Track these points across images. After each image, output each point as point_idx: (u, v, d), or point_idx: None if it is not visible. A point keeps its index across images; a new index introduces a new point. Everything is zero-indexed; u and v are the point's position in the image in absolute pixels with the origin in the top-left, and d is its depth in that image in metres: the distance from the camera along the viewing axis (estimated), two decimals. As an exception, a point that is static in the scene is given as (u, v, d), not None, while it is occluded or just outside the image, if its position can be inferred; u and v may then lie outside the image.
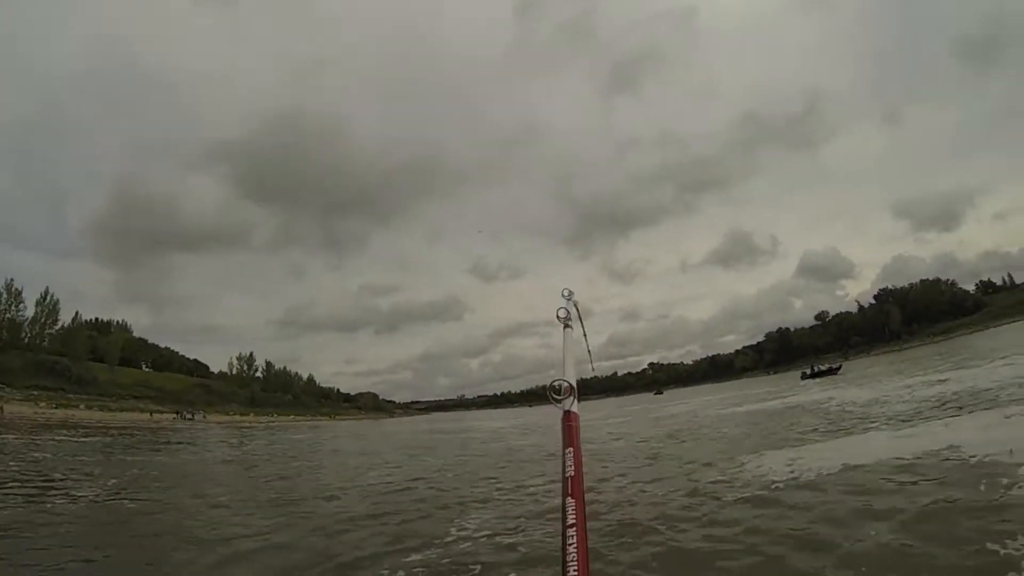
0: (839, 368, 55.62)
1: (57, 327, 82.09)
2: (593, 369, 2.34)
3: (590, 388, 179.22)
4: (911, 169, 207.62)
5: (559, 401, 1.62)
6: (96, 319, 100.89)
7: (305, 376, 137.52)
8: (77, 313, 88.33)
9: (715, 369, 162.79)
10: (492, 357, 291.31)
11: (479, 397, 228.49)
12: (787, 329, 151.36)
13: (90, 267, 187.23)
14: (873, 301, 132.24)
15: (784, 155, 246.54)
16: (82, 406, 64.66)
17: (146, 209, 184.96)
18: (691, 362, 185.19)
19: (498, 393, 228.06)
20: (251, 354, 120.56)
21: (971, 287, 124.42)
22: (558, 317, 2.16)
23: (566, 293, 2.34)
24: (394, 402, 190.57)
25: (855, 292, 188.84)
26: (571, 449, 1.44)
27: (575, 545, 1.18)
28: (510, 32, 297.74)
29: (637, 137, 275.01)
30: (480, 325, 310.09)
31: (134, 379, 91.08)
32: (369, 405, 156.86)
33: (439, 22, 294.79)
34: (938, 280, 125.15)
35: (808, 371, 56.41)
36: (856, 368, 54.45)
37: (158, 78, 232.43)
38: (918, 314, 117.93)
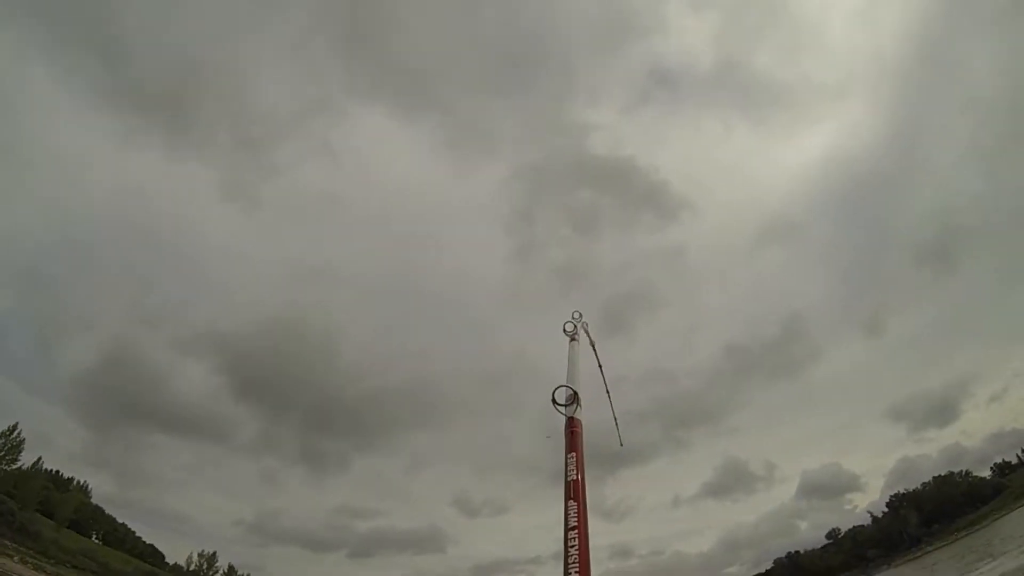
0: None
1: (15, 467, 76.53)
2: (608, 392, 1.92)
3: None
4: (899, 374, 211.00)
5: (563, 408, 1.86)
6: (56, 471, 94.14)
7: None
8: (39, 459, 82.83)
9: None
10: None
11: None
12: (796, 552, 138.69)
13: (63, 416, 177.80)
14: (886, 509, 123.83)
15: (770, 381, 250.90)
16: (16, 558, 59.49)
17: (133, 375, 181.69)
18: None
19: None
20: (214, 553, 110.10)
21: (986, 473, 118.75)
22: (565, 331, 2.25)
23: (576, 315, 1.91)
24: None
25: (864, 504, 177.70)
26: (573, 454, 1.61)
27: (577, 547, 1.12)
28: (503, 271, 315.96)
29: (624, 375, 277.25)
30: (462, 559, 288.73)
31: (79, 546, 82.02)
32: None
33: (439, 257, 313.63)
34: (951, 473, 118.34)
35: None
36: None
37: (173, 246, 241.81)
38: (936, 513, 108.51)
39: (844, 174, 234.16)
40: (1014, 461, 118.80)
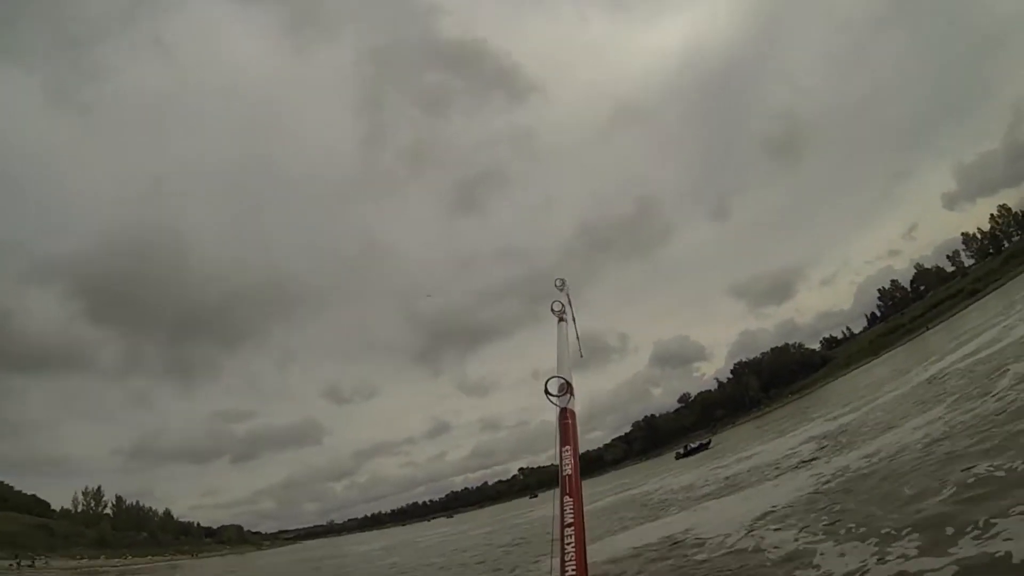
0: (709, 443, 58.57)
1: None
2: (582, 356, 2.12)
3: (461, 500, 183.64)
4: (742, 255, 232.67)
5: (556, 398, 1.60)
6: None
7: (161, 511, 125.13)
8: None
9: (587, 465, 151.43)
10: (357, 479, 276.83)
11: (349, 521, 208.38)
12: (653, 416, 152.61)
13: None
14: (730, 375, 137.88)
15: (622, 258, 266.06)
16: None
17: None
18: None
19: (368, 515, 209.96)
20: (99, 488, 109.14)
21: (816, 346, 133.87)
22: (552, 310, 2.05)
23: (558, 283, 2.20)
24: (261, 533, 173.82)
25: (711, 371, 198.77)
26: (568, 448, 1.46)
27: (573, 544, 1.20)
28: (354, 157, 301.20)
29: (479, 253, 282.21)
30: (341, 447, 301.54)
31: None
32: (235, 539, 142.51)
33: (285, 147, 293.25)
34: (786, 345, 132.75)
35: (682, 450, 61.21)
36: (726, 439, 58.96)
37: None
38: (773, 379, 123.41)
39: (702, 65, 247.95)
40: (839, 336, 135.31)
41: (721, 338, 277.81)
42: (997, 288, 78.23)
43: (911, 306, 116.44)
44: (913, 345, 65.94)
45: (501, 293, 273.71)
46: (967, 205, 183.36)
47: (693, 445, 61.92)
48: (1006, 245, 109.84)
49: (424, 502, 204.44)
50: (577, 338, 2.18)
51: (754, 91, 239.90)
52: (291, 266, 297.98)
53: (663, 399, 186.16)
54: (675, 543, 11.35)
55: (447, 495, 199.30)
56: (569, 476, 1.36)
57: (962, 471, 8.01)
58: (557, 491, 1.32)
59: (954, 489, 7.50)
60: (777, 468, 17.35)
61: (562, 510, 1.27)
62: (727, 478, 20.74)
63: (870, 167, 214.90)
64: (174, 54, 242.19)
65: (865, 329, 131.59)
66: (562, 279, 2.44)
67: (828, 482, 11.70)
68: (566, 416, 1.56)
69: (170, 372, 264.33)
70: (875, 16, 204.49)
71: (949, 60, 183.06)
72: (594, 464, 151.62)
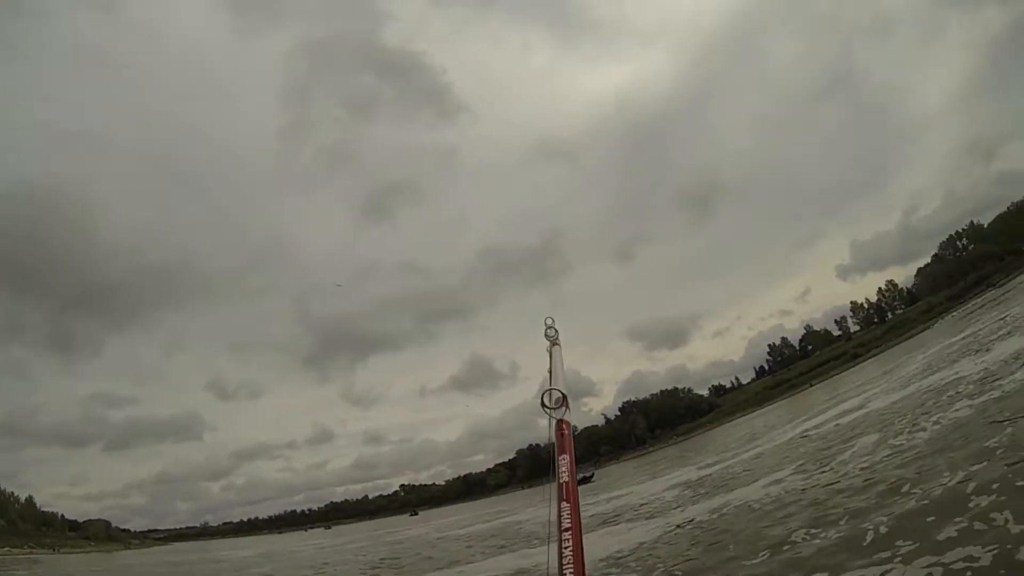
0: (592, 476, 58.50)
1: None
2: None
3: (340, 512, 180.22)
4: (642, 299, 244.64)
5: (552, 410, 1.77)
6: None
7: (23, 497, 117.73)
8: None
9: (468, 488, 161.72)
10: (235, 480, 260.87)
11: (224, 524, 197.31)
12: (538, 445, 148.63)
13: None
14: (619, 413, 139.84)
15: (523, 287, 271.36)
16: None
17: None
18: (443, 482, 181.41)
19: (245, 520, 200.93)
20: None
21: (705, 392, 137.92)
22: (547, 336, 2.33)
23: (549, 321, 2.43)
24: (129, 531, 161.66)
25: (599, 407, 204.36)
26: (565, 456, 1.58)
27: (571, 549, 1.24)
28: (272, 149, 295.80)
29: (382, 263, 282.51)
30: (221, 445, 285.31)
31: None
32: (101, 535, 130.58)
33: (207, 128, 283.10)
34: (675, 389, 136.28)
35: None
36: (608, 474, 60.38)
37: None
38: (660, 420, 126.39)
39: (634, 113, 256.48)
40: (728, 385, 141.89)
41: (612, 375, 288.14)
42: (877, 354, 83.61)
43: (797, 363, 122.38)
44: (795, 400, 68.86)
45: (397, 306, 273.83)
46: (858, 277, 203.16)
47: (576, 477, 62.28)
48: (889, 316, 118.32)
49: (303, 511, 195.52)
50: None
51: (679, 146, 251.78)
52: (194, 250, 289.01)
53: (548, 431, 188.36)
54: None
55: (327, 505, 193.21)
56: (566, 483, 1.43)
57: (777, 535, 8.46)
58: (554, 495, 1.39)
59: (767, 553, 7.84)
60: (636, 512, 17.68)
61: (559, 515, 1.32)
62: (590, 516, 20.67)
63: (775, 233, 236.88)
64: (116, 9, 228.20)
65: (753, 380, 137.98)
66: (552, 318, 2.73)
67: (670, 531, 11.92)
68: (562, 427, 1.71)
69: (53, 345, 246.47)
70: (807, 94, 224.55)
71: (865, 146, 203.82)
72: (476, 487, 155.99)
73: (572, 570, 1.17)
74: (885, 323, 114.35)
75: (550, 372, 2.13)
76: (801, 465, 13.40)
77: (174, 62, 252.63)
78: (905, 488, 7.67)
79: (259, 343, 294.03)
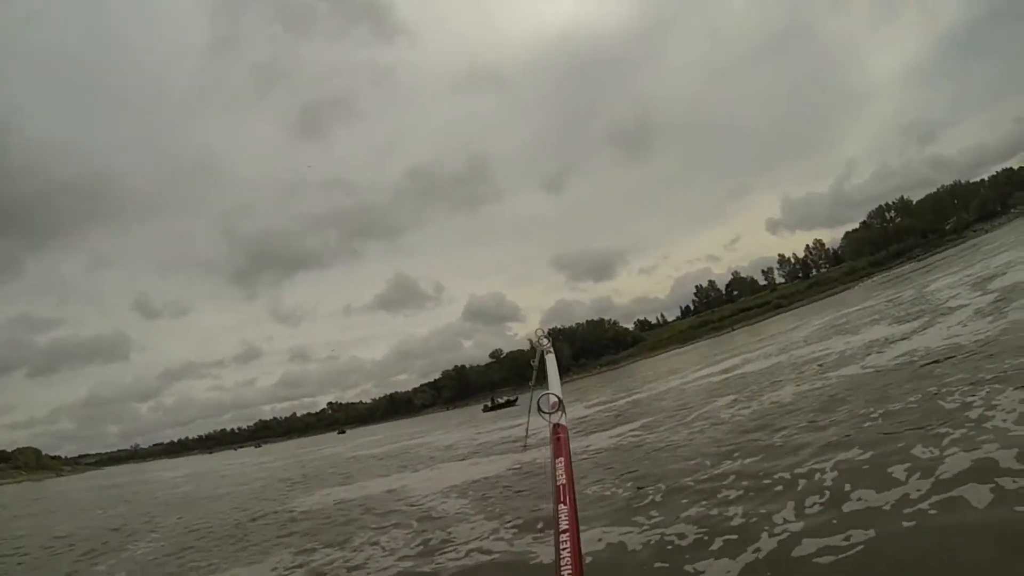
0: (515, 400, 60.11)
1: None
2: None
3: (270, 430, 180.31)
4: (570, 230, 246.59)
5: (548, 415, 1.80)
6: None
7: None
8: None
9: (395, 407, 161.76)
10: (164, 400, 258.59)
11: (155, 446, 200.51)
12: (463, 366, 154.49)
13: None
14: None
15: (450, 210, 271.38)
16: None
17: None
18: (370, 400, 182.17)
19: (175, 440, 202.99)
20: None
21: (630, 326, 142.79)
22: (542, 343, 2.51)
23: (540, 332, 2.70)
24: (60, 458, 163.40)
25: (523, 332, 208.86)
26: (561, 459, 1.56)
27: (568, 550, 1.25)
28: (200, 64, 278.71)
29: (311, 180, 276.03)
30: (148, 365, 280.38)
31: None
32: (32, 463, 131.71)
33: (130, 39, 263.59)
34: (602, 320, 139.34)
35: (489, 404, 63.28)
36: (528, 399, 53.19)
37: None
38: (585, 349, 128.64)
39: (577, 46, 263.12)
40: (653, 322, 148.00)
41: (537, 303, 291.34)
42: (799, 307, 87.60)
43: (722, 307, 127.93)
44: (718, 341, 71.31)
45: (325, 223, 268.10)
46: (787, 233, 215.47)
47: (500, 400, 63.86)
48: (814, 273, 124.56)
49: (233, 429, 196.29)
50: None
51: (620, 83, 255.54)
52: (117, 165, 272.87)
53: (474, 352, 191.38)
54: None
55: (256, 423, 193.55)
56: (563, 486, 1.43)
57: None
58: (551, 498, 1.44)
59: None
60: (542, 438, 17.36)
61: (557, 518, 1.34)
62: (506, 435, 21.70)
63: (709, 179, 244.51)
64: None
65: (678, 319, 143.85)
66: (542, 328, 2.96)
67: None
68: (558, 431, 1.70)
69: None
70: (754, 47, 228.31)
71: (807, 107, 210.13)
72: (402, 406, 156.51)
73: (569, 571, 1.18)
74: (809, 279, 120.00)
75: (542, 377, 2.16)
76: (710, 403, 13.39)
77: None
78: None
79: (186, 261, 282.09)
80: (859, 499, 4.53)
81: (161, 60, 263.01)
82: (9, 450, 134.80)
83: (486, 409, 59.42)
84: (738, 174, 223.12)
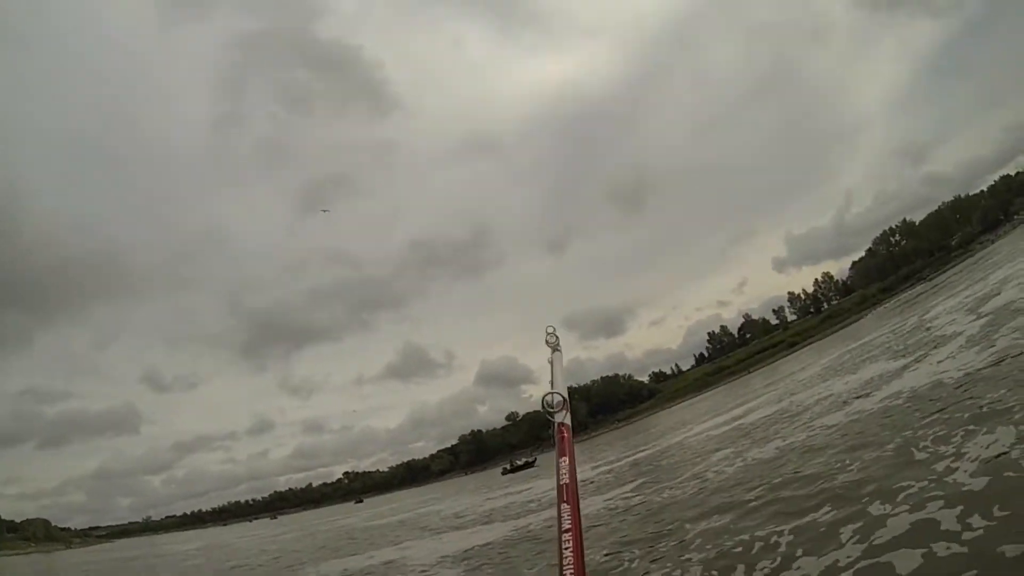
0: (535, 461, 60.40)
1: None
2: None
3: (286, 501, 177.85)
4: (576, 290, 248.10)
5: (553, 414, 1.81)
6: None
7: None
8: None
9: (412, 474, 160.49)
10: (176, 473, 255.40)
11: (167, 518, 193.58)
12: (479, 431, 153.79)
13: None
14: None
15: (454, 278, 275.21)
16: None
17: None
18: (387, 469, 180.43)
19: (188, 513, 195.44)
20: None
21: (644, 378, 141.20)
22: (547, 342, 2.40)
23: (550, 329, 2.53)
24: (70, 530, 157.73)
25: (537, 394, 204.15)
26: (565, 458, 1.57)
27: (571, 549, 1.26)
28: (205, 141, 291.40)
29: (315, 254, 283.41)
30: (159, 438, 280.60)
31: None
32: (41, 535, 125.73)
33: (139, 117, 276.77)
34: (616, 375, 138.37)
35: (508, 466, 62.53)
36: (550, 460, 54.99)
37: None
38: (602, 405, 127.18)
39: (570, 107, 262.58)
40: (668, 372, 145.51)
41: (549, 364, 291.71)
42: (813, 342, 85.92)
43: (736, 351, 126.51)
44: (732, 386, 70.38)
45: (331, 297, 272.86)
46: (793, 270, 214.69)
47: (519, 462, 63.32)
48: (825, 307, 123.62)
49: (247, 501, 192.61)
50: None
51: (614, 141, 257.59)
52: (124, 240, 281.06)
53: (488, 416, 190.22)
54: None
55: (271, 495, 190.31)
56: (566, 484, 1.44)
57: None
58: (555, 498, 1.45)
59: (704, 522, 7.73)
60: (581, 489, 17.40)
61: (560, 516, 1.35)
62: (528, 500, 21.18)
63: (711, 227, 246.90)
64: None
65: (692, 367, 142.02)
66: (552, 326, 2.74)
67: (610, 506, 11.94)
68: (562, 430, 1.71)
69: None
70: (743, 95, 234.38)
71: (800, 146, 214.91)
72: (420, 473, 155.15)
73: (572, 571, 1.18)
74: (821, 313, 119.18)
75: (551, 377, 2.12)
76: (723, 457, 13.46)
77: (103, 50, 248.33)
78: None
79: (194, 335, 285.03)
80: (797, 568, 4.39)
81: (166, 138, 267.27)
82: (18, 520, 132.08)
83: (505, 472, 58.81)
84: (739, 218, 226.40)
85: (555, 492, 1.44)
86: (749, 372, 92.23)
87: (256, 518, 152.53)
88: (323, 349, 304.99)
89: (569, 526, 1.29)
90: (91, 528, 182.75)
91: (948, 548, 3.62)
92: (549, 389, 1.91)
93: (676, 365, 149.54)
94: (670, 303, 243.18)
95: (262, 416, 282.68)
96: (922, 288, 69.07)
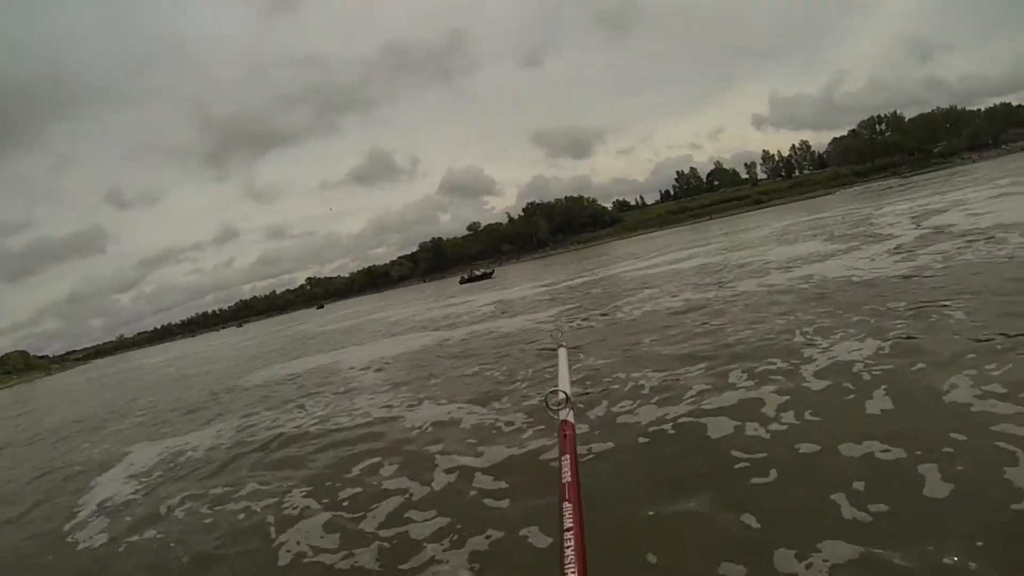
0: (492, 273, 62.76)
1: None
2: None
3: (251, 309, 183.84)
4: (549, 106, 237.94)
5: (556, 411, 1.76)
6: None
7: None
8: None
9: (373, 280, 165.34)
10: (144, 289, 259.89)
11: (139, 335, 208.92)
12: (440, 239, 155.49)
13: None
14: (522, 213, 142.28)
15: (425, 83, 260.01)
16: None
17: None
18: (348, 275, 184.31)
19: (158, 327, 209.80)
20: None
21: (609, 205, 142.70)
22: (552, 339, 2.86)
23: (555, 329, 3.01)
24: (48, 357, 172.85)
25: (500, 207, 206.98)
26: (567, 456, 1.53)
27: (573, 548, 1.21)
28: None
29: (283, 57, 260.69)
30: (126, 256, 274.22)
31: None
32: (20, 365, 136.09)
33: None
34: (580, 197, 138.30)
35: (466, 276, 64.17)
36: (508, 272, 62.54)
37: None
38: (563, 225, 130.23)
39: None
40: (633, 203, 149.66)
41: (514, 178, 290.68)
42: (778, 204, 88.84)
43: (703, 195, 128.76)
44: (695, 228, 71.66)
45: (298, 100, 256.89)
46: (771, 130, 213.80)
47: (477, 272, 64.63)
48: (796, 174, 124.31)
49: (214, 311, 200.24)
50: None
51: None
52: (75, 58, 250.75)
53: (450, 225, 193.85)
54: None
55: (236, 304, 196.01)
56: (568, 483, 1.39)
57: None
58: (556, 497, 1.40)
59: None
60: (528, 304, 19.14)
61: (561, 515, 1.29)
62: (483, 304, 22.93)
63: (696, 67, 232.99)
64: None
65: (657, 202, 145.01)
66: (559, 330, 3.54)
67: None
68: (565, 427, 1.65)
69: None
70: None
71: (808, 2, 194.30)
72: (380, 280, 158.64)
73: (573, 570, 1.14)
74: (791, 178, 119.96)
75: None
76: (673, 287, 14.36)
77: None
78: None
79: (155, 148, 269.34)
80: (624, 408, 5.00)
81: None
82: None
83: (463, 281, 60.31)
84: (727, 64, 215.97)
85: (558, 490, 1.41)
86: (711, 218, 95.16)
87: (224, 327, 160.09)
88: (287, 153, 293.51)
89: (571, 525, 1.26)
90: (68, 353, 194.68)
91: (756, 430, 4.17)
92: (553, 387, 1.84)
93: (641, 197, 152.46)
94: (641, 134, 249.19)
95: (226, 224, 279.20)
96: (896, 182, 69.57)
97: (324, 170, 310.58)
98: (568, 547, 1.19)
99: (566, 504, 1.32)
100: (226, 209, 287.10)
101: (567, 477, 1.41)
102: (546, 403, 1.78)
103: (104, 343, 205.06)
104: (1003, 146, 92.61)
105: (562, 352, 2.31)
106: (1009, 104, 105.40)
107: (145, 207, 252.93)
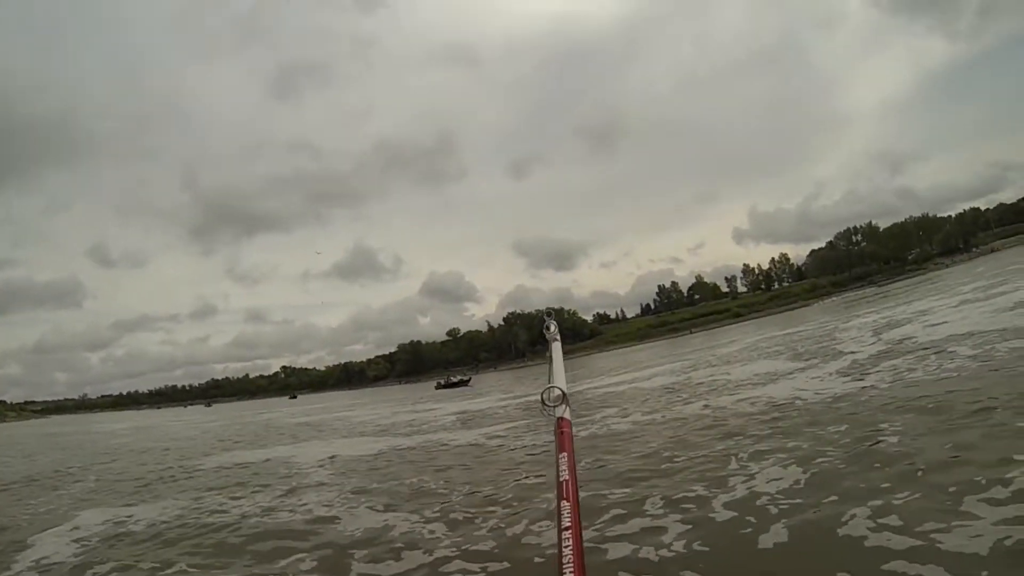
0: (469, 380, 62.05)
1: None
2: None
3: (221, 389, 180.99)
4: (532, 217, 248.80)
5: (552, 408, 1.75)
6: None
7: None
8: None
9: (348, 375, 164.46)
10: (115, 352, 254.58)
11: (103, 397, 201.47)
12: (419, 342, 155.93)
13: None
14: (502, 323, 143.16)
15: (414, 184, 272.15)
16: None
17: None
18: (323, 368, 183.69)
19: (124, 393, 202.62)
20: None
21: (589, 318, 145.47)
22: (545, 333, 2.37)
23: (549, 315, 2.54)
24: (5, 403, 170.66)
25: (480, 314, 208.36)
26: (564, 454, 1.53)
27: (571, 547, 1.23)
28: (176, 7, 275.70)
29: (279, 140, 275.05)
30: (101, 314, 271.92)
31: None
32: None
33: None
34: (562, 309, 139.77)
35: (443, 381, 63.60)
36: (484, 381, 62.05)
37: None
38: (541, 338, 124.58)
39: (562, 39, 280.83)
40: (613, 316, 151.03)
41: (496, 286, 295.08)
42: (757, 317, 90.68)
43: (683, 309, 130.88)
44: (674, 342, 72.66)
45: (289, 184, 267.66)
46: (751, 244, 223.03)
47: (454, 379, 64.13)
48: (776, 286, 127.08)
49: (184, 386, 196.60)
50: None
51: (598, 79, 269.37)
52: (84, 105, 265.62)
53: (429, 328, 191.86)
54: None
55: (207, 382, 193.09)
56: (566, 481, 1.40)
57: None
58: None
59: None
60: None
61: (559, 514, 1.31)
62: (461, 412, 22.71)
63: (678, 184, 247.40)
64: None
65: (638, 316, 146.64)
66: (551, 309, 2.83)
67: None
68: (562, 425, 1.63)
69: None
70: (741, 58, 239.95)
71: (786, 124, 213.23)
72: (356, 376, 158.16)
73: (572, 570, 1.16)
74: (771, 291, 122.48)
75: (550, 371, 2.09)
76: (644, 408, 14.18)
77: None
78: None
79: (145, 208, 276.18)
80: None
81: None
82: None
83: (439, 387, 59.32)
84: (707, 182, 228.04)
85: (556, 489, 1.43)
86: (692, 332, 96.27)
87: (192, 403, 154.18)
88: (273, 239, 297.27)
89: (569, 524, 1.27)
90: (27, 402, 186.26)
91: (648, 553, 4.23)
92: (547, 383, 1.83)
93: (622, 311, 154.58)
94: (624, 248, 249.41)
95: (206, 300, 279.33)
96: (873, 291, 72.19)
97: (308, 260, 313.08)
98: (566, 546, 1.21)
99: (564, 503, 1.33)
100: (208, 285, 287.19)
101: (564, 475, 1.42)
102: (543, 400, 1.77)
103: (66, 399, 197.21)
104: (973, 249, 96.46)
105: (555, 347, 2.25)
106: (978, 209, 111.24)
107: (128, 268, 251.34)
